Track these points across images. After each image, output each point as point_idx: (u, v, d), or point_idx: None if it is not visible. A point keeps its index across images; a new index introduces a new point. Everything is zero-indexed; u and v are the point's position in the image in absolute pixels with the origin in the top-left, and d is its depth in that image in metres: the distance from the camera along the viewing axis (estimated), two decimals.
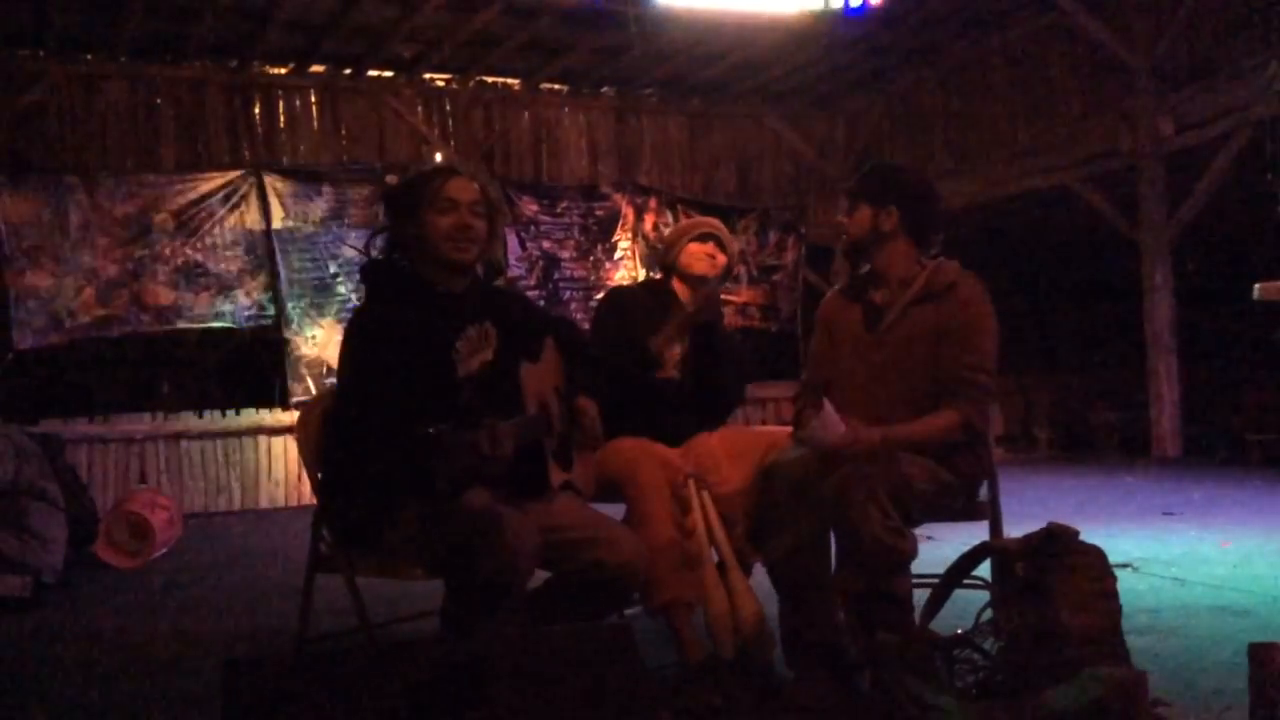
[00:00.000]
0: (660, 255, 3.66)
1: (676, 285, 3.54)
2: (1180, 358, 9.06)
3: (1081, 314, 12.77)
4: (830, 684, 2.78)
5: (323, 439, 2.84)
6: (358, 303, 2.90)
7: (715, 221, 3.64)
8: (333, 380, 7.86)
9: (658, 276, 3.70)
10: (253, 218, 9.08)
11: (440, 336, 2.67)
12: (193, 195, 8.92)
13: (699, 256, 3.50)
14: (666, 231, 4.10)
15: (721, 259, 3.52)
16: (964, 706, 2.36)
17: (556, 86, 10.86)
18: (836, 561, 2.81)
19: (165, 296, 8.78)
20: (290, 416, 8.64)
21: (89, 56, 9.16)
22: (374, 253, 2.81)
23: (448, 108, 10.44)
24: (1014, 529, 2.93)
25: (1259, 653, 2.07)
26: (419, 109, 10.32)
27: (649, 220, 10.74)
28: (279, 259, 9.03)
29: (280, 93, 9.82)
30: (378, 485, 2.58)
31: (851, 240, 3.05)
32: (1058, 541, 2.57)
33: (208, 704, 2.88)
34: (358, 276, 2.93)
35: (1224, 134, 8.39)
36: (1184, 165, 8.85)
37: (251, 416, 9.01)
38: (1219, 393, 9.81)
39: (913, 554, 2.69)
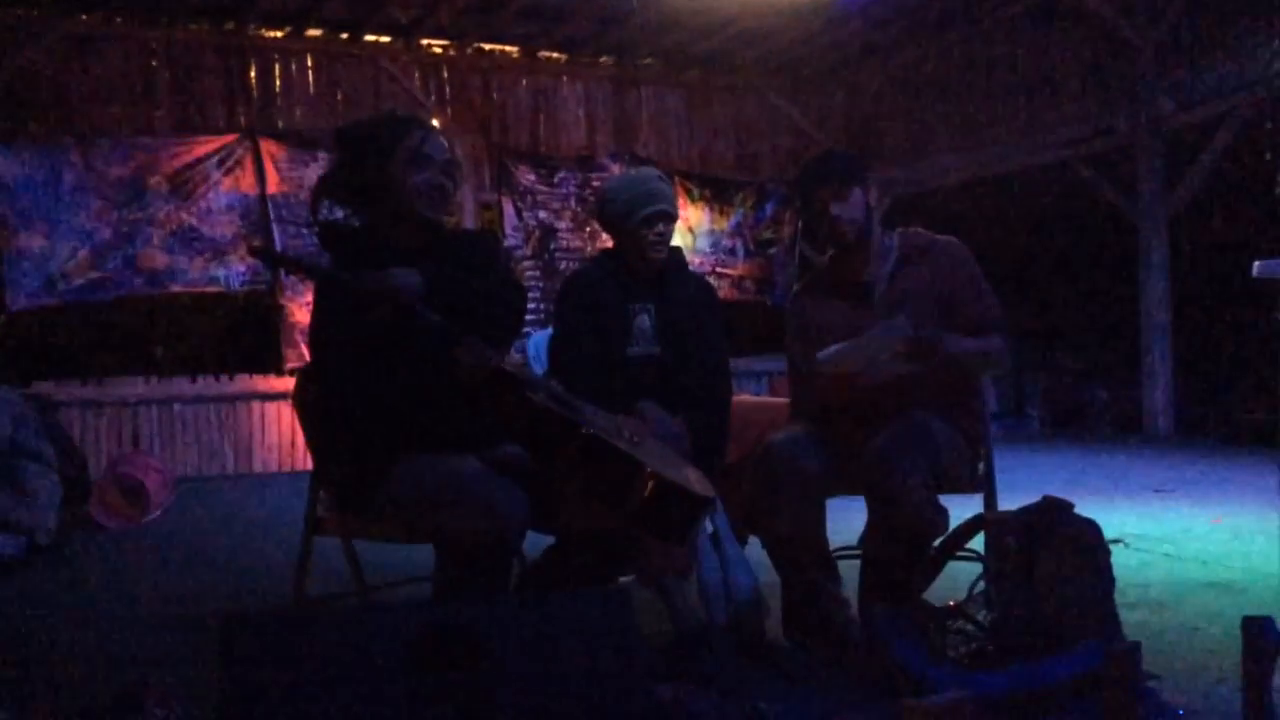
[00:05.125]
0: (610, 216, 3.21)
1: (629, 254, 3.24)
2: (1174, 336, 9.08)
3: (1077, 291, 12.77)
4: (827, 655, 2.80)
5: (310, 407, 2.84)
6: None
7: (661, 185, 3.23)
8: None
9: (610, 244, 3.30)
10: (248, 182, 9.04)
11: None
12: (188, 158, 8.87)
13: (651, 242, 3.17)
14: (609, 182, 3.57)
15: (670, 234, 3.23)
16: (956, 676, 2.37)
17: (555, 55, 10.78)
18: (867, 528, 2.81)
19: (159, 260, 8.75)
20: (284, 382, 8.63)
21: (84, 17, 9.05)
22: (323, 212, 2.68)
23: (445, 74, 10.35)
24: (1007, 503, 2.94)
25: (1252, 626, 2.08)
26: (416, 75, 10.22)
27: None
28: (273, 224, 9.00)
29: (276, 56, 9.73)
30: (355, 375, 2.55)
31: (860, 225, 3.02)
32: (1052, 515, 2.59)
33: (204, 662, 2.88)
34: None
35: (1224, 113, 8.37)
36: (1183, 143, 8.83)
37: (245, 382, 9.00)
38: (1212, 370, 9.82)
39: (945, 528, 2.71)
